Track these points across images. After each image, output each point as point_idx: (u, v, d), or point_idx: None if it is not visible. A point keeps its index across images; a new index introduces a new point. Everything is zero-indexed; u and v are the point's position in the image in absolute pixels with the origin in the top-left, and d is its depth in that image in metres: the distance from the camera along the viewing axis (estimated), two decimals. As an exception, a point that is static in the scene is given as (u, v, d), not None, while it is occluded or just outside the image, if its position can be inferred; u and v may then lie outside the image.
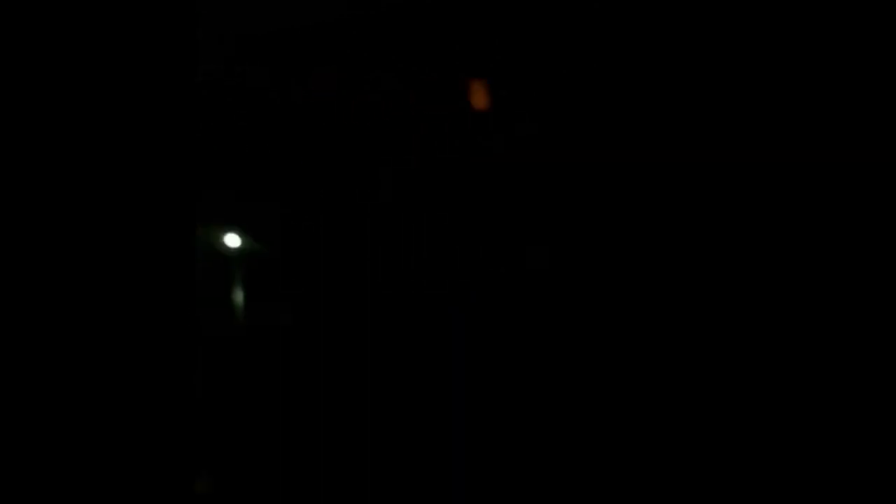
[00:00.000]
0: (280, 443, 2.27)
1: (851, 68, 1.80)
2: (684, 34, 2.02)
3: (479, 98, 1.82)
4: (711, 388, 2.38)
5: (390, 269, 2.16)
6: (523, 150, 2.11)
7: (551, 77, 1.79)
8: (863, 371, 1.93)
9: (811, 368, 1.95)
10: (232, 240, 2.28)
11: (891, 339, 2.00)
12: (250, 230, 2.26)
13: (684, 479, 1.88)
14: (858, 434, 2.09)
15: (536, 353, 2.39)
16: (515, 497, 2.34)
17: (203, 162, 1.71)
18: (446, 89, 1.91)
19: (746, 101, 2.11)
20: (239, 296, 2.29)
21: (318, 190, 2.11)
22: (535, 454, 2.38)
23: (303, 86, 2.08)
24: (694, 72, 2.07)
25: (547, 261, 2.33)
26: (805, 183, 2.23)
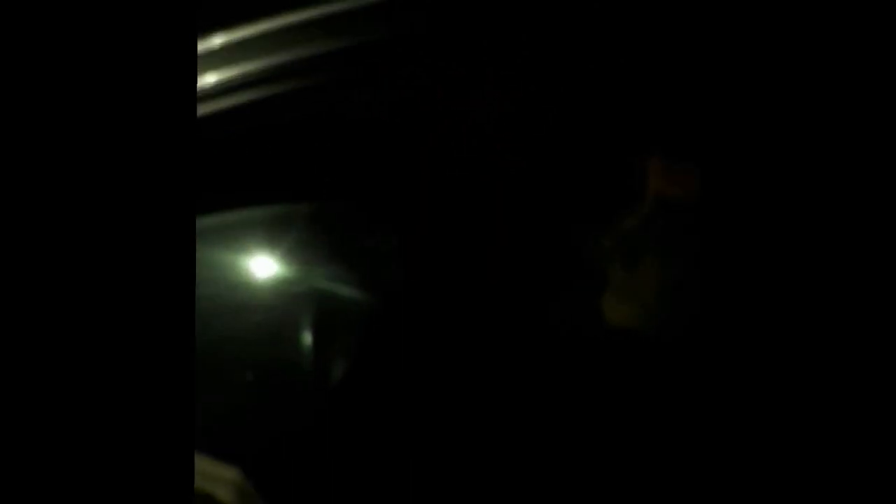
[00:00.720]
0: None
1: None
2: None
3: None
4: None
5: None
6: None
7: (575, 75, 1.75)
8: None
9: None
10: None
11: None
12: (265, 232, 2.25)
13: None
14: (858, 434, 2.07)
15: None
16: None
17: (206, 162, 1.70)
18: (472, 87, 1.87)
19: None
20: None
21: (338, 190, 2.10)
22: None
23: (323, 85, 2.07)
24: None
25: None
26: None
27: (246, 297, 2.28)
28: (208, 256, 2.20)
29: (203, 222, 1.40)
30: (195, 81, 1.28)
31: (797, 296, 1.60)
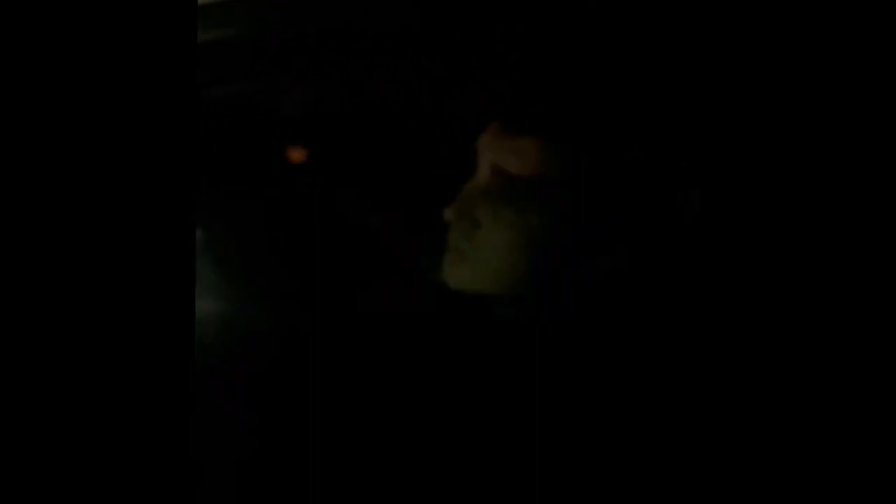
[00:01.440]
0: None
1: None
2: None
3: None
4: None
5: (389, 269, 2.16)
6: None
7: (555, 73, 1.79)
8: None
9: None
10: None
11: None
12: (248, 227, 2.26)
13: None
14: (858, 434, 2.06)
15: None
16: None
17: (204, 159, 1.70)
18: (453, 84, 1.92)
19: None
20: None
21: (320, 187, 2.12)
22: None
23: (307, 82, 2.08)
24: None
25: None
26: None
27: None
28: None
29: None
30: (195, 80, 1.28)
31: (637, 264, 1.66)
